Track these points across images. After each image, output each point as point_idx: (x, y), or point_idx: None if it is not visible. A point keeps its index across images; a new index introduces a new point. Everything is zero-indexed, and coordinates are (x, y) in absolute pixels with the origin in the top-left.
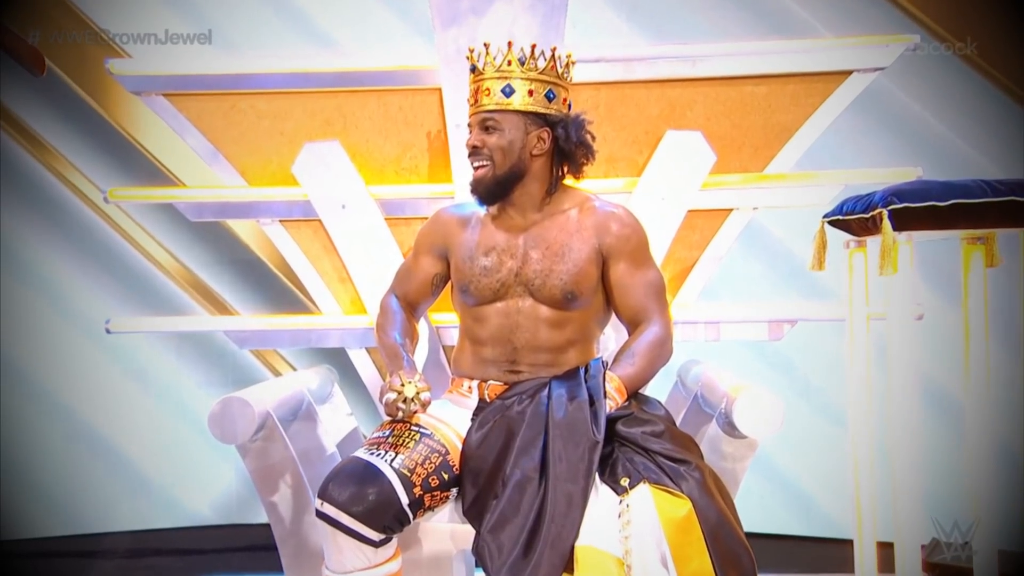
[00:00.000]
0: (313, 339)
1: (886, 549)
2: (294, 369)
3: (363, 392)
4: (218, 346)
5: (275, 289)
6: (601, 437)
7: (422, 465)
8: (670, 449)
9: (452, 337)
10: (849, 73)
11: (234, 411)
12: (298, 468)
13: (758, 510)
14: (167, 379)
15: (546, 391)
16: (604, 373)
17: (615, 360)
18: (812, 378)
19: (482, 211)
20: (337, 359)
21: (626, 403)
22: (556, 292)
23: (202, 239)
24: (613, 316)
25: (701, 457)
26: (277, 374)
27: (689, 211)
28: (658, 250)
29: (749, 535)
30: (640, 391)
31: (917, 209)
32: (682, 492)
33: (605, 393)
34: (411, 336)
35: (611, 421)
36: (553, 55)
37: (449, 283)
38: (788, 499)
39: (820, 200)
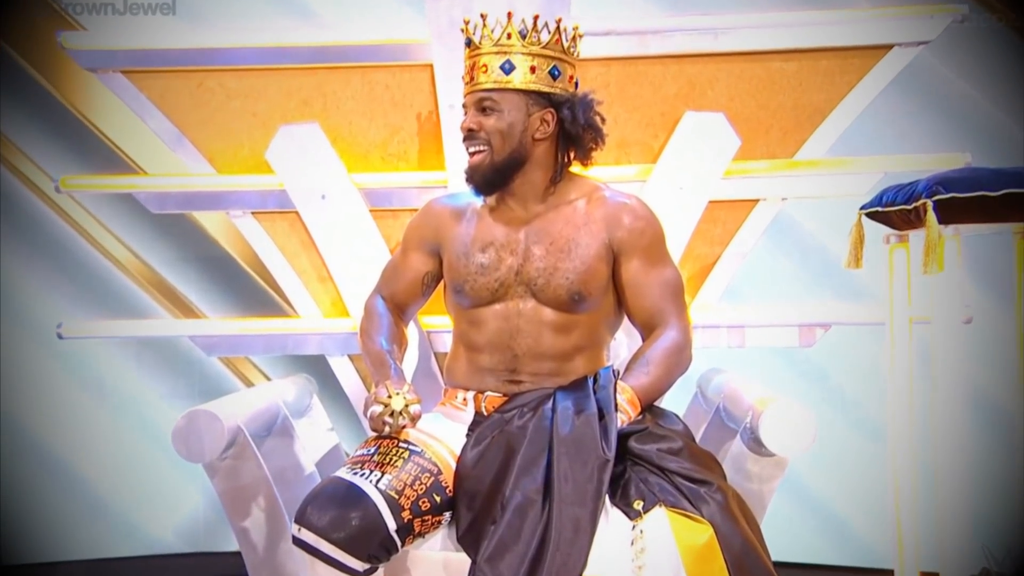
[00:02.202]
0: (289, 345)
1: None
2: (268, 379)
3: (345, 405)
4: (183, 353)
5: (247, 290)
6: (612, 455)
7: (411, 486)
8: (689, 468)
9: (445, 343)
10: (889, 47)
11: (201, 426)
12: (273, 490)
13: (787, 536)
14: (126, 390)
15: (550, 403)
16: (615, 383)
17: (627, 369)
18: (848, 389)
19: (479, 202)
20: (316, 368)
21: (640, 417)
22: (561, 292)
23: (165, 233)
24: (625, 320)
25: (724, 477)
26: (249, 385)
27: (710, 202)
28: (676, 245)
29: (777, 564)
30: (655, 403)
31: (965, 200)
32: (702, 516)
33: (616, 406)
34: (399, 342)
35: (623, 437)
36: (558, 27)
37: (442, 283)
38: (821, 524)
39: (857, 190)
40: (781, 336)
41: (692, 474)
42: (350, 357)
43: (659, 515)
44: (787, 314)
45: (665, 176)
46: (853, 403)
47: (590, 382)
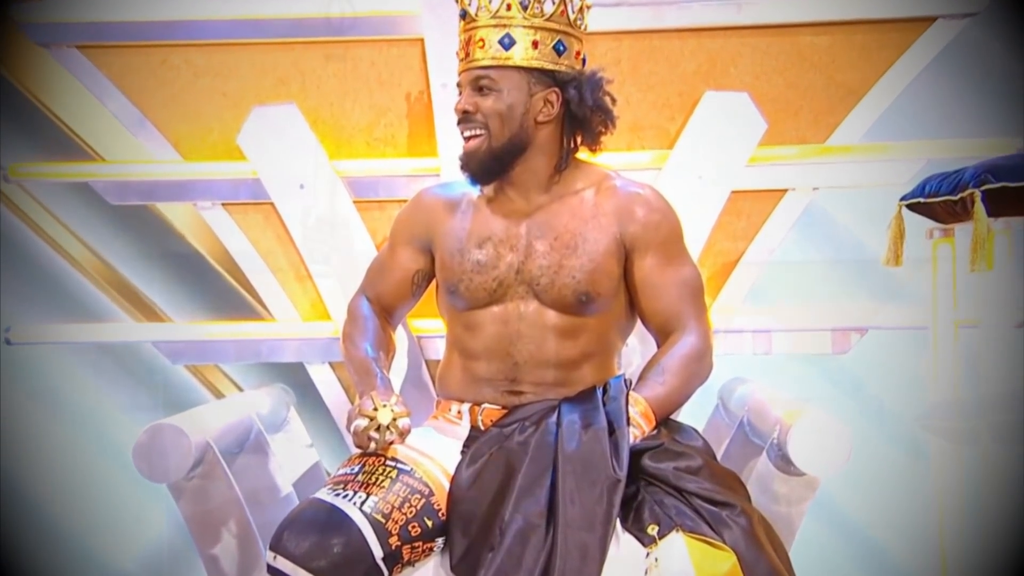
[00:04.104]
0: (264, 352)
1: None
2: (240, 389)
3: (326, 418)
4: (146, 361)
5: (217, 290)
6: (623, 474)
7: (400, 509)
8: (709, 489)
9: (437, 349)
10: (932, 20)
11: (166, 442)
12: (245, 513)
13: (819, 564)
14: (82, 402)
15: (554, 417)
16: (627, 394)
17: (641, 378)
18: (886, 400)
19: (475, 193)
20: (294, 377)
21: (654, 432)
22: (567, 293)
23: (126, 227)
24: (638, 323)
25: (748, 499)
26: (219, 396)
27: (733, 192)
28: (695, 241)
29: None
30: (672, 417)
31: (1017, 189)
32: (724, 542)
33: (628, 419)
34: (386, 348)
35: (636, 454)
36: None
37: (434, 282)
38: (856, 550)
39: (896, 179)
40: (812, 342)
41: (713, 495)
42: (331, 365)
43: (676, 541)
44: (819, 317)
45: (683, 163)
46: (892, 416)
47: (599, 393)
